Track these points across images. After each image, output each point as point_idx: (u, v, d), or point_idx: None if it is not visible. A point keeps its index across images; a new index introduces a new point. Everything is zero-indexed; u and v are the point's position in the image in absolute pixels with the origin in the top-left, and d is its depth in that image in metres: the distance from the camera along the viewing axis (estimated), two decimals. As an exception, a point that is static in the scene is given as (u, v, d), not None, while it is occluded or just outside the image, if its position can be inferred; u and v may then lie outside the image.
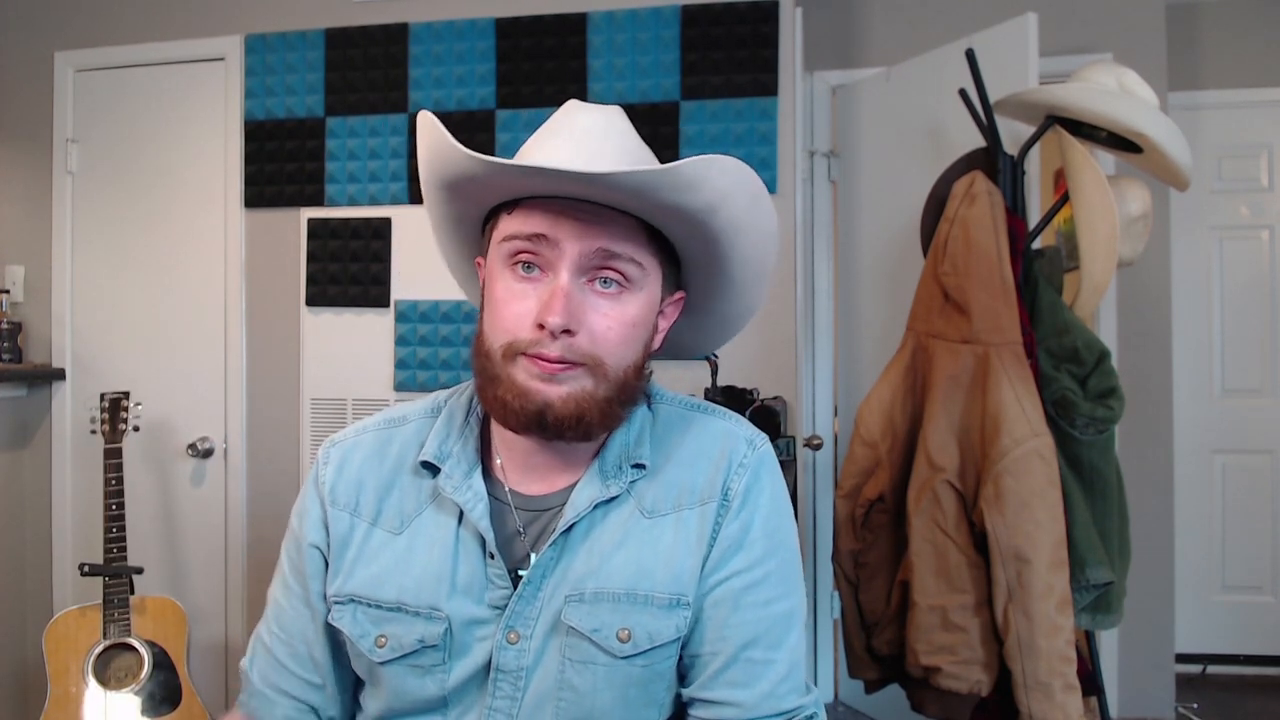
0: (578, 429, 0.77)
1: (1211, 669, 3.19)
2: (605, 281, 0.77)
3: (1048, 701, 1.56)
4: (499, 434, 0.85)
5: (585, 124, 0.81)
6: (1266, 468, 3.21)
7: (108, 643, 2.07)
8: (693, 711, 0.82)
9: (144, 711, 2.05)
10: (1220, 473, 3.24)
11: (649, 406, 0.89)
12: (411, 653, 0.81)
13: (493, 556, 0.80)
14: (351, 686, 0.91)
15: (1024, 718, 1.58)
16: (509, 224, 0.78)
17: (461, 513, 0.82)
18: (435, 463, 0.84)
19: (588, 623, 0.79)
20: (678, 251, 0.84)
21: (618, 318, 0.77)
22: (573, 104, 0.84)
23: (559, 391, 0.75)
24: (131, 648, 2.09)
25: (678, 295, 0.86)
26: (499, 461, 0.85)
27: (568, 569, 0.80)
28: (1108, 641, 2.70)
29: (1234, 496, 3.23)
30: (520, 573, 0.81)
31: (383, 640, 0.81)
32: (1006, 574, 1.59)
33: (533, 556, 0.81)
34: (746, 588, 0.81)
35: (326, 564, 0.86)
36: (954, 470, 1.69)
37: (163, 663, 2.10)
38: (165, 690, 2.08)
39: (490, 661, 0.80)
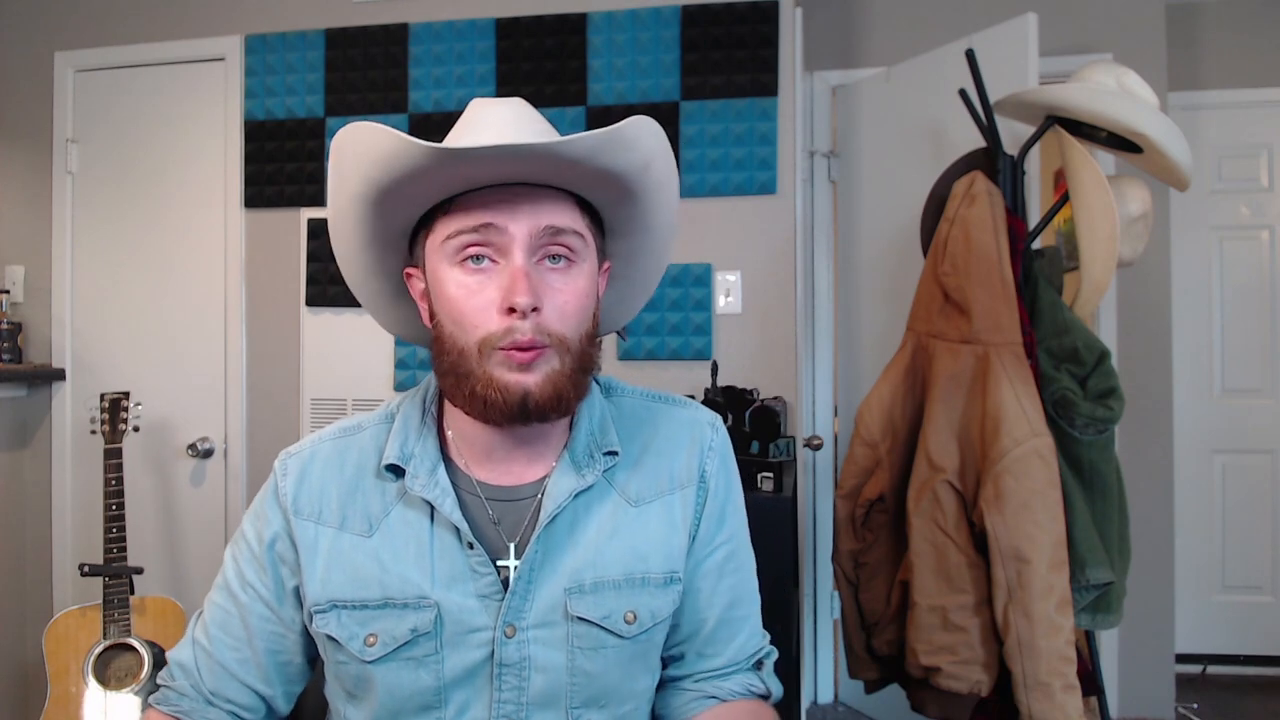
0: (559, 408, 0.79)
1: (1211, 669, 3.18)
2: (555, 258, 0.79)
3: (1048, 701, 1.56)
4: (457, 430, 0.87)
5: (498, 115, 0.82)
6: (1266, 468, 3.21)
7: (108, 643, 2.08)
8: (678, 669, 0.93)
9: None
10: (1220, 473, 3.24)
11: (607, 398, 0.94)
12: (405, 644, 0.81)
13: (472, 546, 0.82)
14: (294, 696, 0.92)
15: (1024, 718, 1.58)
16: (450, 222, 0.79)
17: (432, 509, 0.84)
18: (400, 464, 0.85)
19: (596, 611, 0.83)
20: (603, 220, 0.87)
21: (573, 291, 0.80)
22: (478, 101, 0.86)
23: (534, 379, 0.77)
24: (132, 648, 2.09)
25: (605, 265, 0.89)
26: (462, 460, 0.87)
27: (558, 561, 0.83)
28: (1108, 641, 2.70)
29: (1234, 496, 3.23)
30: (500, 562, 0.83)
31: (372, 639, 0.82)
32: (1006, 574, 1.59)
33: (511, 547, 0.84)
34: (728, 557, 0.92)
35: (294, 569, 0.86)
36: (954, 470, 1.69)
37: (163, 663, 2.09)
38: (165, 690, 2.09)
39: (492, 656, 0.81)
